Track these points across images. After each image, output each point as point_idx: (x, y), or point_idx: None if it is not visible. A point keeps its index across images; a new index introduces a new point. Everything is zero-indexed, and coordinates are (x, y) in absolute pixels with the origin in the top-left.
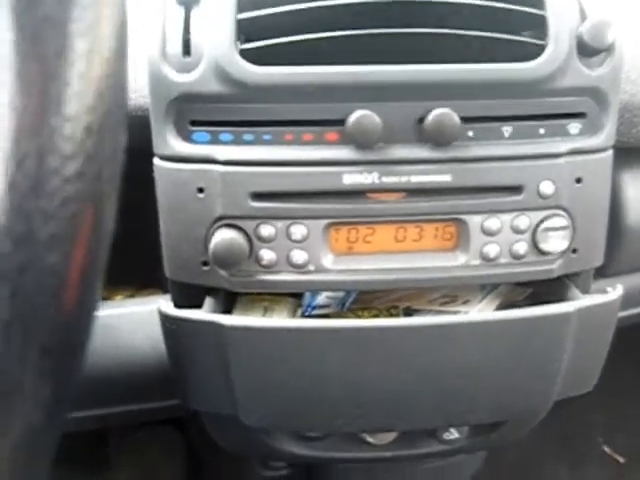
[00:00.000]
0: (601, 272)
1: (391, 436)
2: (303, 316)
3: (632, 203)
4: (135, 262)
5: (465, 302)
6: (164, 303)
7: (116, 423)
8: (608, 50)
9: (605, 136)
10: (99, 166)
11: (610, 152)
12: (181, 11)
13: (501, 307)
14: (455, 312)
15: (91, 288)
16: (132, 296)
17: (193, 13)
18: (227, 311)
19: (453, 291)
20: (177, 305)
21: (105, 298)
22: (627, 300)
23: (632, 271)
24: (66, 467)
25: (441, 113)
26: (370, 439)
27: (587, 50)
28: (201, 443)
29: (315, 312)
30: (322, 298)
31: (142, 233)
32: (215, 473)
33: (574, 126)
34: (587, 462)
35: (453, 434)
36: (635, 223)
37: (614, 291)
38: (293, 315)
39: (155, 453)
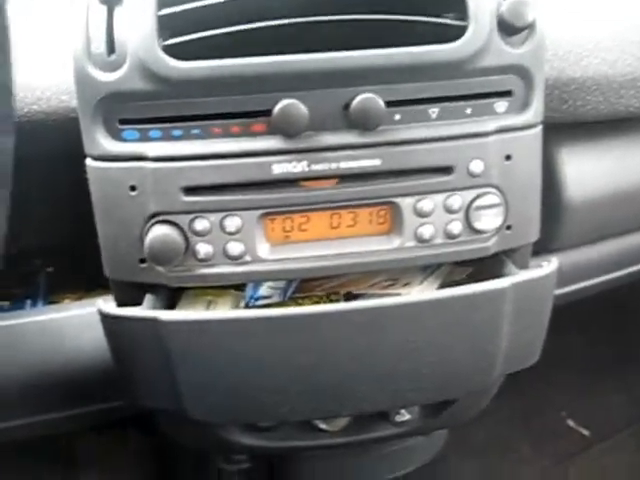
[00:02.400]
0: (544, 248)
1: (344, 422)
2: (246, 308)
3: (570, 178)
4: (83, 264)
5: (406, 284)
6: (103, 303)
7: (66, 428)
8: (529, 28)
9: (532, 113)
10: None
11: (539, 128)
12: (104, 10)
13: (442, 288)
14: (396, 295)
15: None
16: (80, 298)
17: (116, 12)
18: (170, 307)
19: (394, 274)
20: (120, 304)
21: (53, 302)
22: (575, 274)
23: (576, 246)
24: (34, 473)
25: (365, 98)
26: (323, 426)
27: (508, 29)
28: (166, 444)
29: (258, 303)
30: (264, 289)
31: (89, 235)
32: (182, 473)
33: (501, 104)
34: (551, 438)
35: (405, 416)
36: (574, 198)
37: (549, 265)
38: (236, 307)
39: (123, 456)
